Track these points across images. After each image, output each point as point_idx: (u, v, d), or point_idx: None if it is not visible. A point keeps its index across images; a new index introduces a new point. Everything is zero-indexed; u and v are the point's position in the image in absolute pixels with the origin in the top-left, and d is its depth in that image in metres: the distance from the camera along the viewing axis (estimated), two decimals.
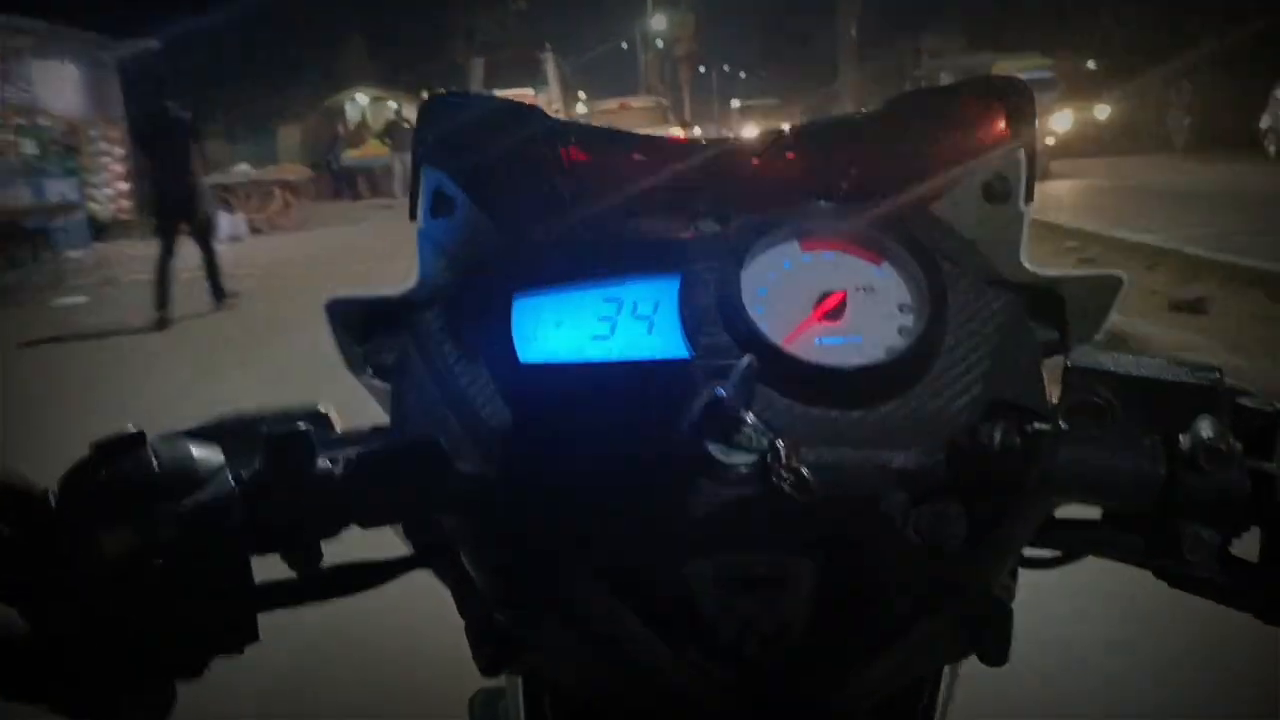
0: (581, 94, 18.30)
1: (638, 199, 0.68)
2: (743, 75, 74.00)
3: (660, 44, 35.89)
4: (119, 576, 0.40)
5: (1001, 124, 0.61)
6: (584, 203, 0.67)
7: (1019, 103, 0.60)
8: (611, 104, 19.11)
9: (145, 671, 0.42)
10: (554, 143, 0.66)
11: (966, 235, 0.64)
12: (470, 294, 0.64)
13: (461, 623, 0.55)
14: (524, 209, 0.67)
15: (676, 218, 0.68)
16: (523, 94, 19.76)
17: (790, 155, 0.69)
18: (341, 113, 23.93)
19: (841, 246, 0.65)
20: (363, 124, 20.53)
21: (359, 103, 24.16)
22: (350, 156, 21.26)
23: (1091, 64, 20.66)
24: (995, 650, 0.54)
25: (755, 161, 0.70)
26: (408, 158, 0.65)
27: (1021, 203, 0.61)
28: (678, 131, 17.18)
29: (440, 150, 0.61)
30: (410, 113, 23.43)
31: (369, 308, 0.60)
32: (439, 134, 0.61)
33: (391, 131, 19.70)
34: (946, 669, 0.60)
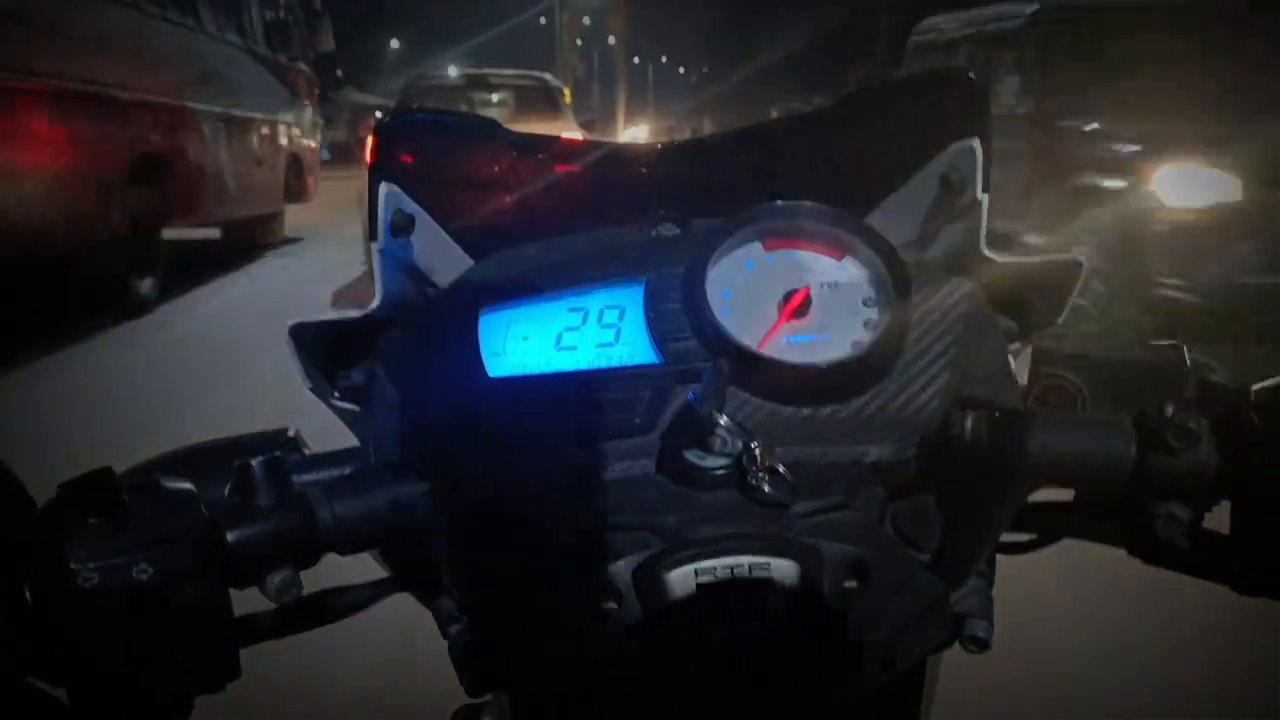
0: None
1: (597, 207, 0.68)
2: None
3: (588, 20, 29.02)
4: (94, 620, 0.39)
5: (955, 114, 0.61)
6: (544, 214, 0.67)
7: (971, 93, 0.61)
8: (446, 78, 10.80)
9: (127, 717, 0.41)
10: (511, 155, 0.65)
11: (926, 226, 0.64)
12: (434, 312, 0.63)
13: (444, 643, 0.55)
14: (484, 223, 0.67)
15: (637, 223, 0.68)
16: None
17: (746, 154, 0.70)
18: None
19: (803, 244, 0.65)
20: None
21: None
22: None
23: None
24: (978, 638, 0.54)
25: (712, 162, 0.70)
26: None
27: (979, 191, 0.61)
28: (572, 132, 10.25)
29: (397, 167, 0.60)
30: None
31: (332, 330, 0.60)
32: (395, 150, 0.60)
33: None
34: (930, 659, 0.61)
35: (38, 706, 0.40)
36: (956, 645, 0.56)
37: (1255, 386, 0.49)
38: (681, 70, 72.80)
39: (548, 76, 10.29)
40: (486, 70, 11.94)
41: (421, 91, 10.66)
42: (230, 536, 0.43)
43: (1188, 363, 0.52)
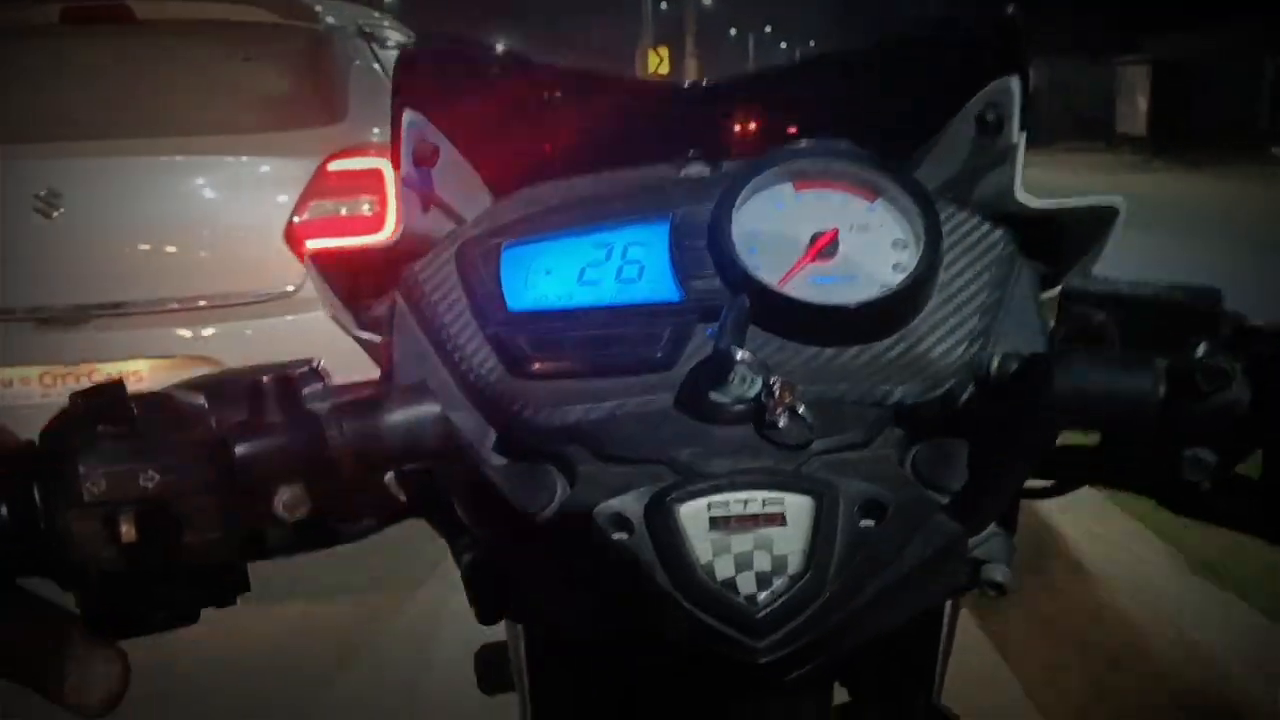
0: None
1: (626, 143, 0.67)
2: None
3: None
4: (100, 526, 0.39)
5: (993, 53, 0.60)
6: (571, 148, 0.66)
7: (1009, 31, 0.59)
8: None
9: (134, 623, 0.41)
10: (539, 87, 0.65)
11: (961, 168, 0.63)
12: (457, 244, 0.63)
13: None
14: (510, 156, 0.66)
15: (666, 160, 0.67)
16: None
17: (780, 93, 0.68)
18: None
19: (834, 185, 0.64)
20: None
21: None
22: None
23: None
24: (996, 583, 0.53)
25: (745, 101, 0.69)
26: None
27: (1015, 133, 0.60)
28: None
29: (423, 95, 0.60)
30: None
31: (353, 258, 0.60)
32: (421, 79, 0.60)
33: None
34: (948, 604, 0.60)
35: (47, 610, 0.41)
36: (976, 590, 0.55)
37: None
38: (784, 45, 65.66)
39: (325, 16, 2.97)
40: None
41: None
42: (238, 449, 0.43)
43: (1223, 305, 0.50)
